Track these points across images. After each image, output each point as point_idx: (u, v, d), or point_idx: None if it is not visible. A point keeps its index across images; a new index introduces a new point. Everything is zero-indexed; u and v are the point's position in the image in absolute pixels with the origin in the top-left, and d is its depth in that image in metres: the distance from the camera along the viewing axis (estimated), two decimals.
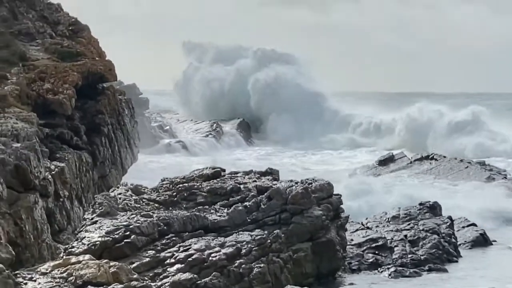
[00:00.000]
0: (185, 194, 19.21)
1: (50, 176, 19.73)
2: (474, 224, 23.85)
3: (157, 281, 15.38)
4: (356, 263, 19.96)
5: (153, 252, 16.20)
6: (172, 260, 16.04)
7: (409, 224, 22.24)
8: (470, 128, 51.79)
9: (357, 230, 21.98)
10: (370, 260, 20.15)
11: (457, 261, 20.74)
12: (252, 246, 16.98)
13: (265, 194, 18.73)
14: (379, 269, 19.76)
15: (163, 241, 16.68)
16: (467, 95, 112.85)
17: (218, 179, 20.25)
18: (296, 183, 19.23)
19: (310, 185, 19.22)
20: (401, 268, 19.58)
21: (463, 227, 23.60)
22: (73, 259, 13.62)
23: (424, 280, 18.96)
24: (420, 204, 24.34)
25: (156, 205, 18.74)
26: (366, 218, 23.59)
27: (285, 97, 63.66)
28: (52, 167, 20.88)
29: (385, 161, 33.27)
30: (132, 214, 17.28)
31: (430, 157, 33.15)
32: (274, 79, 65.55)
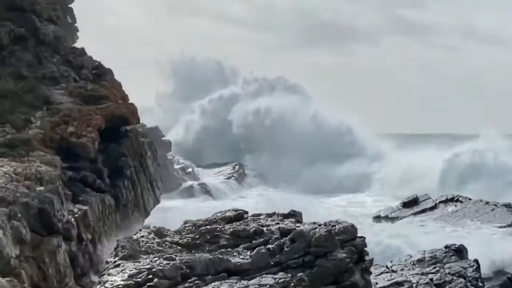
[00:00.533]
0: (208, 237, 19.09)
1: (73, 219, 19.73)
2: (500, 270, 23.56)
3: None
4: None
5: None
6: None
7: (434, 268, 22.00)
8: None
9: (381, 273, 21.76)
10: None
11: None
12: None
13: (288, 236, 18.57)
14: None
15: (186, 285, 16.56)
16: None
17: (241, 222, 20.14)
18: (320, 225, 19.08)
19: (334, 228, 19.06)
20: None
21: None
22: None
23: None
24: (446, 247, 24.11)
25: (179, 247, 18.64)
26: (391, 261, 23.36)
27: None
28: (76, 210, 20.89)
29: (409, 203, 33.05)
30: (154, 257, 17.19)
31: (455, 199, 32.90)
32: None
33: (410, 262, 22.97)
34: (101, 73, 29.51)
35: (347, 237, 19.14)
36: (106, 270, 16.95)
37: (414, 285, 20.80)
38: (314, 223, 19.46)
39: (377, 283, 20.85)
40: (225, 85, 75.50)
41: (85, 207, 21.60)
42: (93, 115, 25.68)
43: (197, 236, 19.12)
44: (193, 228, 19.61)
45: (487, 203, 32.23)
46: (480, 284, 21.45)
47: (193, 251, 18.42)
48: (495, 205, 31.97)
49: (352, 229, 19.46)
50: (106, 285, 15.99)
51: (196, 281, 16.72)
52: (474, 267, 22.07)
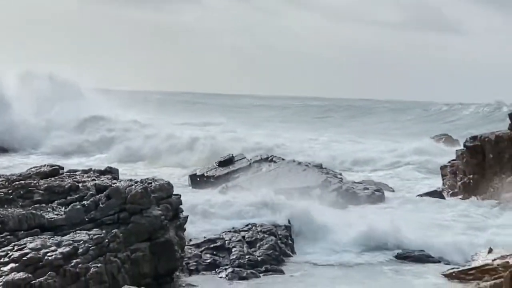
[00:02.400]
0: (21, 192, 18.73)
1: None
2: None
3: None
4: (194, 263, 20.03)
5: None
6: (6, 259, 15.60)
7: (247, 226, 22.54)
8: None
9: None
10: (208, 261, 20.28)
11: (294, 262, 21.19)
12: (90, 245, 16.75)
13: (104, 193, 18.53)
14: (216, 270, 19.91)
15: None
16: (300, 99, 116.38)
17: (56, 177, 19.89)
18: (136, 182, 19.13)
19: (150, 185, 19.17)
20: (238, 269, 19.79)
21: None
22: None
23: (261, 280, 19.25)
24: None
25: None
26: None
27: None
28: None
29: (225, 162, 33.52)
30: None
31: (269, 159, 33.65)
32: None
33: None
34: None
35: (163, 195, 19.32)
36: None
37: (227, 242, 21.25)
38: (131, 180, 19.50)
39: (190, 240, 21.16)
40: None
41: None
42: None
43: (10, 191, 18.71)
44: (6, 183, 19.16)
45: (299, 163, 33.15)
46: (290, 242, 22.20)
47: (5, 206, 18.02)
48: (307, 165, 32.95)
49: (168, 186, 19.64)
50: None
51: (8, 236, 16.40)
52: (285, 225, 22.79)
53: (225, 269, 19.81)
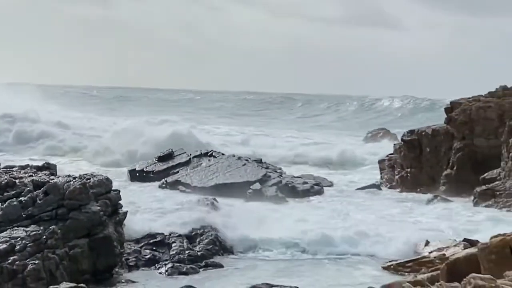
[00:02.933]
0: None
1: None
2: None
3: None
4: (134, 259, 19.91)
5: None
6: None
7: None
8: None
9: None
10: (148, 257, 20.18)
11: (235, 257, 21.23)
12: (27, 242, 16.59)
13: (42, 189, 18.34)
14: (156, 265, 19.82)
15: None
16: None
17: None
18: (74, 178, 18.97)
19: (89, 181, 19.03)
20: (178, 264, 19.73)
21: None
22: None
23: (200, 275, 19.22)
24: (199, 201, 24.75)
25: None
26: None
27: None
28: None
29: (164, 157, 33.38)
30: None
31: (209, 154, 33.62)
32: None
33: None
34: None
35: (101, 190, 19.19)
36: None
37: (166, 237, 21.18)
38: (69, 175, 19.33)
39: (130, 235, 21.04)
40: None
41: None
42: None
43: None
44: None
45: (239, 158, 33.20)
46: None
47: None
48: (247, 160, 33.02)
49: (107, 182, 19.51)
50: None
51: None
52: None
53: (165, 264, 19.74)
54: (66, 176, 19.35)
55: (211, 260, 20.38)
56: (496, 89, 31.96)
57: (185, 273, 19.23)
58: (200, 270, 19.64)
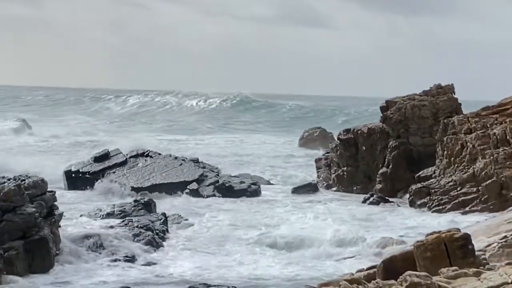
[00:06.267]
0: None
1: None
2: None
3: None
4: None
5: None
6: None
7: (123, 221, 22.32)
8: None
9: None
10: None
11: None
12: None
13: None
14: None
15: None
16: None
17: None
18: (9, 179, 18.72)
19: (24, 182, 18.78)
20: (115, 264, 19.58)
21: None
22: None
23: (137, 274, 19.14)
24: (135, 201, 24.62)
25: None
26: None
27: None
28: None
29: (101, 158, 33.10)
30: None
31: (145, 154, 33.44)
32: None
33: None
34: None
35: (37, 192, 18.97)
36: None
37: (101, 237, 20.98)
38: (4, 177, 19.07)
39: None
40: None
41: None
42: None
43: None
44: None
45: (176, 158, 33.08)
46: (167, 236, 22.15)
47: None
48: (184, 160, 32.92)
49: (43, 183, 19.29)
50: None
51: None
52: (162, 220, 22.71)
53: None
54: (0, 177, 19.08)
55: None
56: (430, 87, 32.38)
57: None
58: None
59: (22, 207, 18.04)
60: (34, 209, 18.21)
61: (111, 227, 21.84)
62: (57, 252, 18.97)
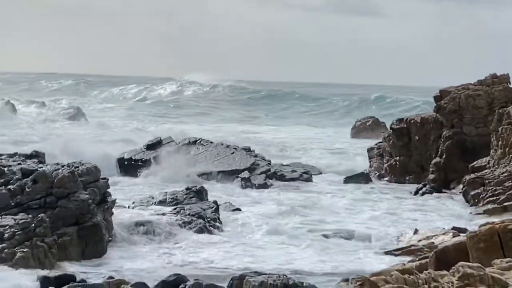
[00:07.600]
0: None
1: None
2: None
3: None
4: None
5: None
6: None
7: (175, 208, 22.43)
8: None
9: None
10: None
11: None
12: (16, 230, 16.55)
13: (30, 177, 18.28)
14: None
15: None
16: None
17: None
18: (63, 166, 18.92)
19: (77, 169, 18.97)
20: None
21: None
22: None
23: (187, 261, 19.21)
24: (187, 188, 24.69)
25: None
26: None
27: None
28: None
29: (153, 145, 33.32)
30: None
31: (197, 142, 33.57)
32: None
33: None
34: None
35: (90, 179, 19.15)
36: None
37: (153, 224, 21.13)
38: (58, 163, 19.29)
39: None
40: None
41: None
42: None
43: None
44: None
45: (227, 146, 33.15)
46: (218, 224, 22.17)
47: None
48: (235, 148, 32.98)
49: (96, 170, 19.47)
50: None
51: None
52: (213, 208, 22.77)
53: None
54: (54, 164, 19.31)
55: None
56: (485, 77, 31.95)
57: None
58: None
59: (76, 193, 18.23)
60: (87, 196, 18.39)
61: (163, 214, 21.98)
62: (110, 238, 19.14)
